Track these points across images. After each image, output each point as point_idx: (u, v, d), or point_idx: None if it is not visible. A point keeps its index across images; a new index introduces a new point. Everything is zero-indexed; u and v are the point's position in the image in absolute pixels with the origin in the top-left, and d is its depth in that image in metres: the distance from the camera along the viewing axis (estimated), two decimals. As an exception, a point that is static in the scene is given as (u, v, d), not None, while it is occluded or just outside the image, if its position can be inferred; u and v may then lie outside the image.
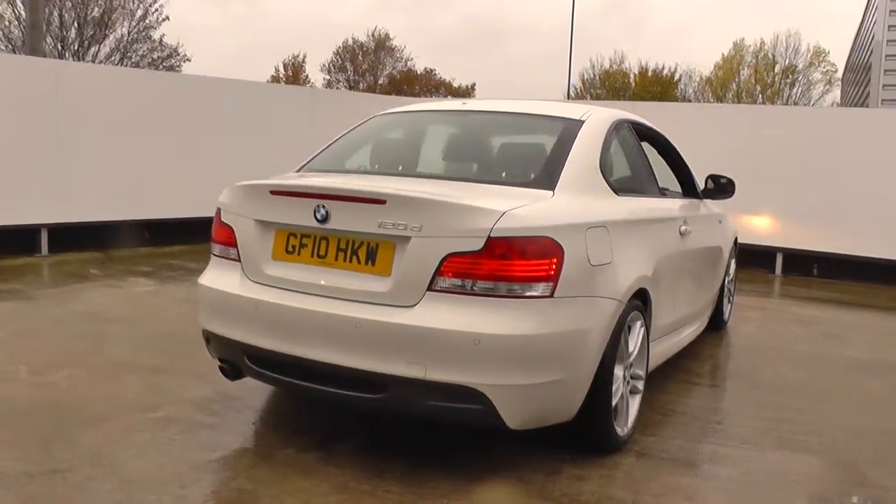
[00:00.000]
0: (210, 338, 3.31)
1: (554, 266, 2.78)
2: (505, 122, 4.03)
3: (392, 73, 46.34)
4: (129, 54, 32.05)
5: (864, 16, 16.54)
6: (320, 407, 3.65)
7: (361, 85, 45.35)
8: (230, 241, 3.25)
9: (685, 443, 3.45)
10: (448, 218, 2.79)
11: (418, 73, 46.78)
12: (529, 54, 65.49)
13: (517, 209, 2.81)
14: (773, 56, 46.01)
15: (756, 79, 46.49)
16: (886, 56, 16.12)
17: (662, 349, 4.00)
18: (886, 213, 8.18)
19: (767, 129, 8.81)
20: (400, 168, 3.77)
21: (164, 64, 32.55)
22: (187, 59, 33.90)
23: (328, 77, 46.19)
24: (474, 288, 2.73)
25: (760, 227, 8.83)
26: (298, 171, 3.76)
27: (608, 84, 44.83)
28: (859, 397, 4.34)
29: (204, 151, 9.11)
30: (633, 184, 3.93)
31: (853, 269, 8.53)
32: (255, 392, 3.76)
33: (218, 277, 3.28)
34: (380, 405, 2.89)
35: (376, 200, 2.85)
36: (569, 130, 3.50)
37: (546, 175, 3.22)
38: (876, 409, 4.13)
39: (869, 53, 17.56)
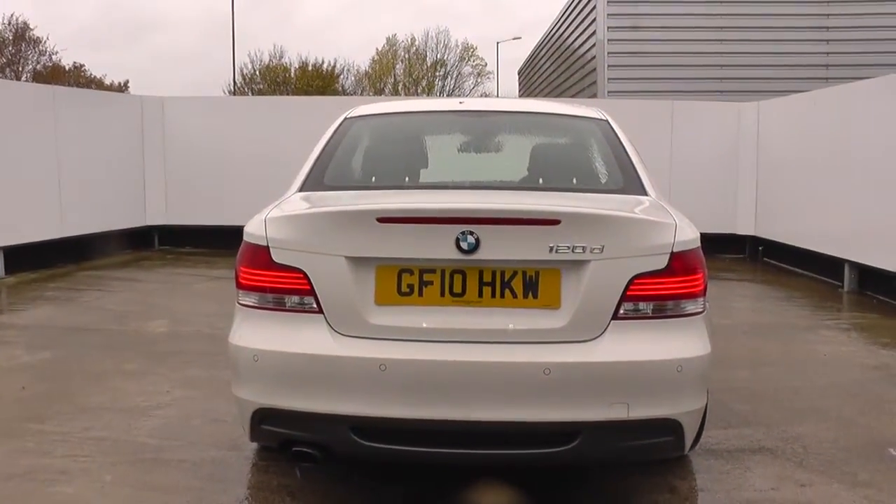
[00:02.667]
0: (280, 417, 2.46)
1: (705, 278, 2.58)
2: (534, 122, 3.66)
3: (37, 67, 40.60)
4: None
5: (560, 17, 16.76)
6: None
7: (-1, 82, 36.24)
8: (298, 287, 2.46)
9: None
10: (632, 235, 2.49)
11: (66, 68, 41.60)
12: (176, 48, 62.36)
13: (678, 221, 2.55)
14: (425, 51, 48.66)
15: (409, 72, 48.56)
16: (609, 53, 16.11)
17: None
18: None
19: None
20: (464, 179, 3.29)
21: None
22: None
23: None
24: (664, 310, 2.48)
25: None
26: (302, 190, 2.95)
27: (269, 78, 44.35)
28: None
29: None
30: None
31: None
32: None
33: (284, 337, 2.46)
34: (569, 457, 2.45)
35: (548, 221, 2.41)
36: (604, 130, 3.35)
37: (630, 179, 3.02)
38: None
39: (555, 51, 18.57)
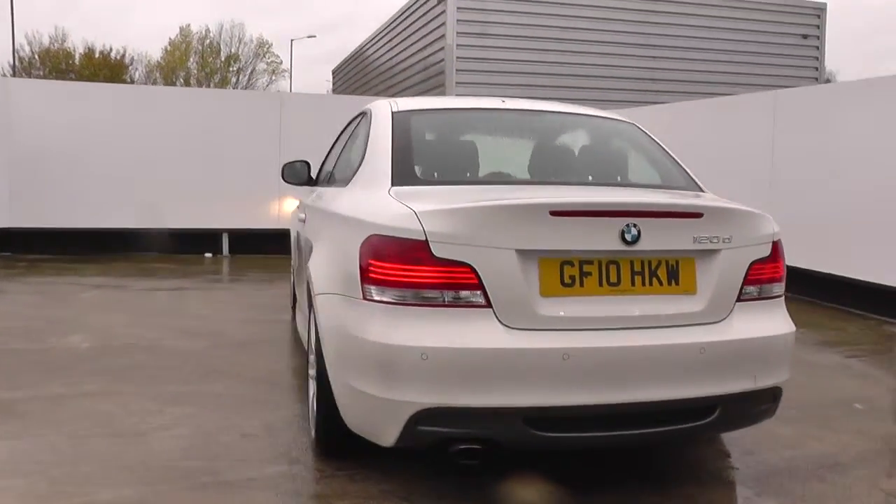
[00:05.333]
0: (445, 416, 2.40)
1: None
2: (577, 122, 3.79)
3: None
4: None
5: (396, 20, 16.97)
6: None
7: None
8: (466, 282, 2.43)
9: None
10: (750, 227, 2.79)
11: None
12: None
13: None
14: (219, 44, 47.59)
15: (202, 65, 47.41)
16: (458, 58, 16.58)
17: None
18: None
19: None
20: (549, 175, 3.40)
21: None
22: None
23: None
24: (768, 293, 2.82)
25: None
26: (396, 185, 2.89)
27: (50, 64, 41.46)
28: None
29: None
30: None
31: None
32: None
33: (454, 333, 2.41)
34: (708, 429, 2.75)
35: (693, 214, 2.69)
36: (639, 132, 3.61)
37: (687, 178, 3.32)
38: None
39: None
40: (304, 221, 4.33)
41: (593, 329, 2.53)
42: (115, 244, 9.47)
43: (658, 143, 3.56)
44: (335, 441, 2.96)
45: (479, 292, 2.45)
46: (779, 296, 2.89)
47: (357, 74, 22.64)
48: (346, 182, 3.49)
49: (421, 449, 2.65)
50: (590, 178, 3.42)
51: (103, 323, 5.64)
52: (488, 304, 2.46)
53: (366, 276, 2.54)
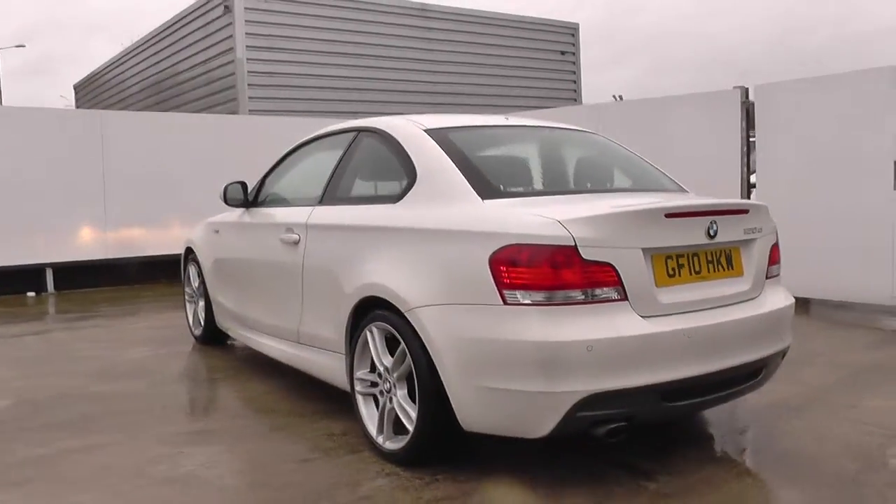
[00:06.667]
0: (603, 400, 2.72)
1: None
2: (573, 136, 4.22)
3: None
4: None
5: (167, 31, 15.68)
6: None
7: None
8: (609, 279, 2.78)
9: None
10: (768, 219, 3.44)
11: None
12: None
13: None
14: None
15: None
16: (249, 72, 16.07)
17: None
18: None
19: None
20: (602, 185, 3.96)
21: None
22: None
23: None
24: (777, 271, 3.52)
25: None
26: (486, 198, 3.17)
27: None
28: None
29: None
30: None
31: None
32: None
33: (607, 325, 2.74)
34: (757, 385, 3.33)
35: (743, 211, 3.27)
36: (610, 141, 4.22)
37: (673, 181, 3.89)
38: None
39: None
40: (263, 243, 4.43)
41: (694, 311, 2.99)
42: None
43: (630, 151, 4.14)
44: (443, 441, 3.12)
45: (619, 287, 2.81)
46: (779, 274, 3.57)
47: (113, 88, 20.98)
48: (379, 200, 3.61)
49: (569, 436, 2.90)
50: (629, 184, 3.90)
51: (7, 376, 4.97)
52: (625, 298, 2.82)
53: (503, 283, 2.76)
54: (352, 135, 4.06)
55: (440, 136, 3.52)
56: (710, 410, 3.79)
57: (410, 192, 3.40)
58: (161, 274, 9.60)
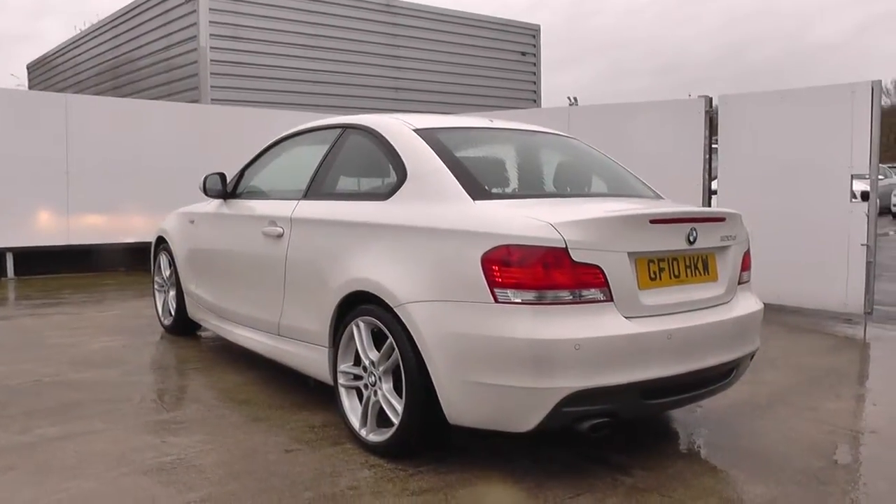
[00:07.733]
0: (586, 397, 2.83)
1: None
2: (553, 140, 4.30)
3: None
4: None
5: (123, 16, 15.48)
6: None
7: None
8: (597, 281, 2.89)
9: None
10: (742, 227, 3.57)
11: None
12: None
13: None
14: None
15: None
16: (212, 61, 15.89)
17: None
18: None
19: None
20: (582, 189, 4.00)
21: None
22: None
23: None
24: (748, 277, 3.65)
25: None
26: (477, 199, 3.25)
27: None
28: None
29: None
30: None
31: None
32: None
33: (593, 325, 2.85)
34: (728, 385, 3.47)
35: (719, 219, 3.40)
36: (586, 145, 4.33)
37: (650, 187, 4.03)
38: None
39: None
40: (242, 233, 4.45)
41: (674, 313, 3.11)
42: None
43: (606, 155, 4.26)
44: (428, 434, 3.21)
45: (606, 289, 2.92)
46: (749, 280, 3.72)
47: (68, 71, 20.48)
48: (364, 197, 3.64)
49: (553, 430, 2.99)
50: (609, 189, 4.00)
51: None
52: (611, 299, 2.93)
53: (495, 281, 2.84)
54: (337, 131, 4.09)
55: (429, 135, 3.59)
56: (681, 408, 3.93)
57: (400, 189, 3.46)
58: (121, 262, 9.45)
